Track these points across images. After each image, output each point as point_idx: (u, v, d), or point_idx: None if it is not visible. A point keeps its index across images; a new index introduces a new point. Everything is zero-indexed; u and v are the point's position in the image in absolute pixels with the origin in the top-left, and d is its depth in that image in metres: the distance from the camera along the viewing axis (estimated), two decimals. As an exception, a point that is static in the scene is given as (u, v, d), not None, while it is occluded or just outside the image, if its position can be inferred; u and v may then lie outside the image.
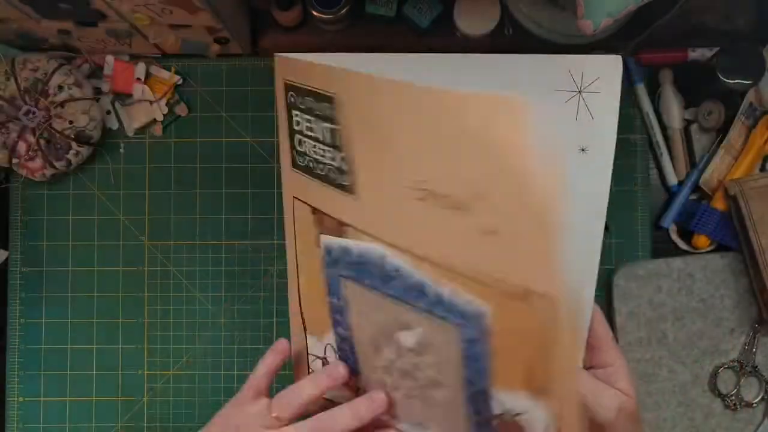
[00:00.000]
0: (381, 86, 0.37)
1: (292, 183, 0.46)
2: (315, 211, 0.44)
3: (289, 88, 0.44)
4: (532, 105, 0.30)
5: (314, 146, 0.42)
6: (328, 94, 0.39)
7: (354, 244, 0.41)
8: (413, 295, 0.39)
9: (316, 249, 0.45)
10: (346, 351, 0.46)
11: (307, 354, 0.50)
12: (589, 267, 0.37)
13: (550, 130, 0.31)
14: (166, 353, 0.67)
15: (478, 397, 0.40)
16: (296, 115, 0.43)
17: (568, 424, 0.38)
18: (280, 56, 0.44)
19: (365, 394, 0.45)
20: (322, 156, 0.42)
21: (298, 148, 0.44)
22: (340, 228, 0.42)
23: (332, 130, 0.40)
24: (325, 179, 0.42)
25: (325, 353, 0.49)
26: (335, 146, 0.40)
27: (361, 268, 0.41)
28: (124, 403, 0.67)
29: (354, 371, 0.46)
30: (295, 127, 0.44)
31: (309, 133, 0.42)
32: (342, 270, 0.43)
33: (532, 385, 0.38)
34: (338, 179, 0.41)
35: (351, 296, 0.43)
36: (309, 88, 0.41)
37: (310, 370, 0.51)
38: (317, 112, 0.41)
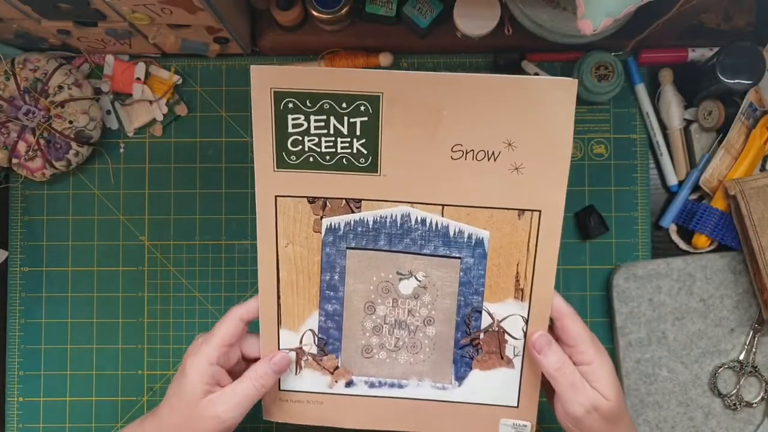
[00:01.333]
0: (427, 80, 0.46)
1: (275, 184, 0.49)
2: (314, 199, 0.50)
3: (284, 95, 0.47)
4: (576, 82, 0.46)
5: (325, 141, 0.48)
6: (372, 94, 0.47)
7: (370, 214, 0.50)
8: (421, 243, 0.50)
9: (313, 234, 0.50)
10: (330, 329, 0.52)
11: (279, 350, 0.52)
12: (560, 180, 0.48)
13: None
14: (166, 353, 0.67)
15: (470, 317, 0.51)
16: (296, 118, 0.48)
17: (537, 317, 0.50)
18: (263, 68, 0.48)
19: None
20: (333, 147, 0.48)
21: (291, 148, 0.49)
22: (348, 206, 0.50)
23: (360, 123, 0.47)
24: (335, 167, 0.49)
25: (301, 342, 0.52)
26: (356, 136, 0.48)
27: (375, 233, 0.50)
28: (124, 403, 0.67)
29: (334, 350, 0.52)
30: (291, 130, 0.48)
31: (317, 131, 0.48)
32: (350, 242, 0.50)
33: (518, 290, 0.50)
34: (355, 163, 0.48)
35: (354, 264, 0.51)
36: (327, 91, 0.47)
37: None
38: (339, 110, 0.47)
